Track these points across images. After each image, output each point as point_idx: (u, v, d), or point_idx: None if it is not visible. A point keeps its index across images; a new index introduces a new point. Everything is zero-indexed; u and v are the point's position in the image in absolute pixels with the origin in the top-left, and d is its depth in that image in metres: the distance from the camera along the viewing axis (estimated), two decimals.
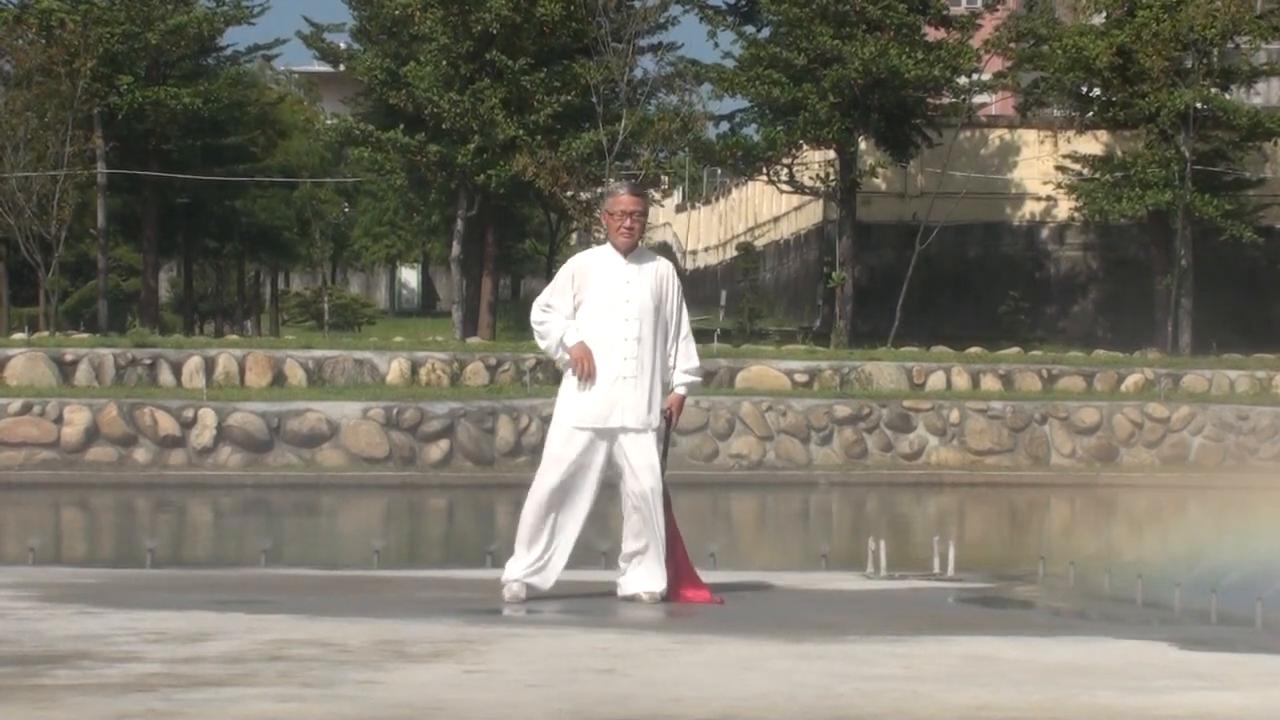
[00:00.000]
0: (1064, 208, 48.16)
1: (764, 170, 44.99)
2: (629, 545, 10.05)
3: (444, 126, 42.67)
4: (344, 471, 30.40)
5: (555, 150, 42.10)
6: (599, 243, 10.80)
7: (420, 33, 43.50)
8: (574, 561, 10.18)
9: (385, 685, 6.87)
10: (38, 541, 13.24)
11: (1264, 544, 11.48)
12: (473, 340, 38.61)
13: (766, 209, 60.49)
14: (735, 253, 60.76)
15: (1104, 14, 44.57)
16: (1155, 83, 42.42)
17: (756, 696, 6.75)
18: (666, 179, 53.11)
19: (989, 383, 35.23)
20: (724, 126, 46.75)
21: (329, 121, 54.87)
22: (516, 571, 10.03)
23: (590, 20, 42.78)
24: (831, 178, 44.50)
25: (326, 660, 7.49)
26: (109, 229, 47.06)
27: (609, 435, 10.01)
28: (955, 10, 46.75)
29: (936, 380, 35.00)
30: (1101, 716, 6.50)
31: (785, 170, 44.77)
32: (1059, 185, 46.07)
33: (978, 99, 47.59)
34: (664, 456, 10.14)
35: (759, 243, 59.72)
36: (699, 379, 10.54)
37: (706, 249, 71.36)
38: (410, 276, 73.98)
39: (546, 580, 10.02)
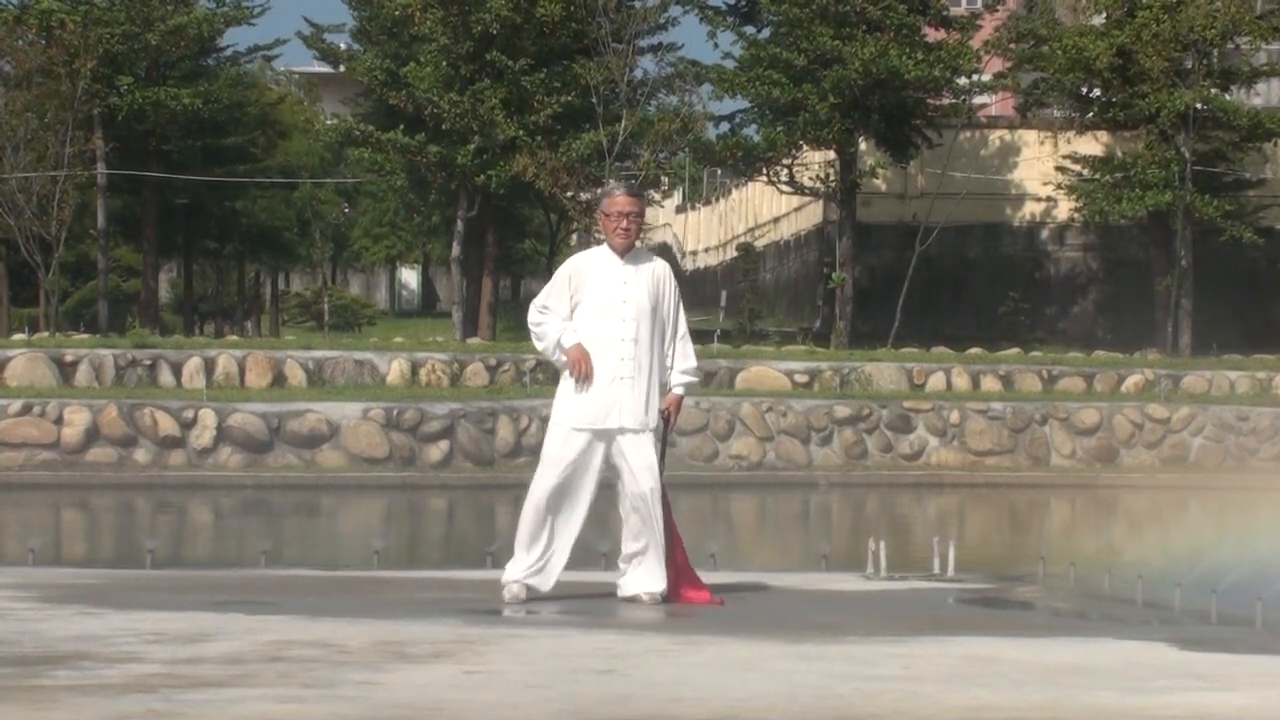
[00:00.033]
0: (1064, 208, 48.18)
1: (764, 171, 44.98)
2: (628, 546, 10.04)
3: (444, 127, 42.66)
4: (344, 472, 30.40)
5: (555, 151, 42.08)
6: (599, 243, 10.79)
7: (420, 33, 43.50)
8: (573, 562, 10.17)
9: (385, 686, 6.87)
10: (38, 542, 13.24)
11: (1264, 544, 11.48)
12: (473, 341, 38.61)
13: (766, 210, 60.47)
14: (735, 253, 60.71)
15: (1104, 15, 44.55)
16: (1155, 83, 42.40)
17: (756, 697, 6.75)
18: (666, 180, 53.17)
19: (989, 383, 35.23)
20: (724, 127, 46.80)
21: (329, 122, 54.80)
22: (516, 573, 10.03)
23: (590, 21, 42.77)
24: (831, 178, 44.49)
25: (326, 661, 7.49)
26: (109, 230, 47.06)
27: (607, 436, 10.00)
28: (955, 11, 46.74)
29: (936, 381, 35.00)
30: (1101, 717, 6.50)
31: (785, 171, 44.77)
32: (1059, 186, 46.05)
33: (978, 100, 47.59)
34: (662, 457, 10.13)
35: (759, 243, 59.67)
36: (697, 379, 10.52)
37: (706, 250, 71.34)
38: (410, 277, 73.94)
39: (546, 581, 10.02)
